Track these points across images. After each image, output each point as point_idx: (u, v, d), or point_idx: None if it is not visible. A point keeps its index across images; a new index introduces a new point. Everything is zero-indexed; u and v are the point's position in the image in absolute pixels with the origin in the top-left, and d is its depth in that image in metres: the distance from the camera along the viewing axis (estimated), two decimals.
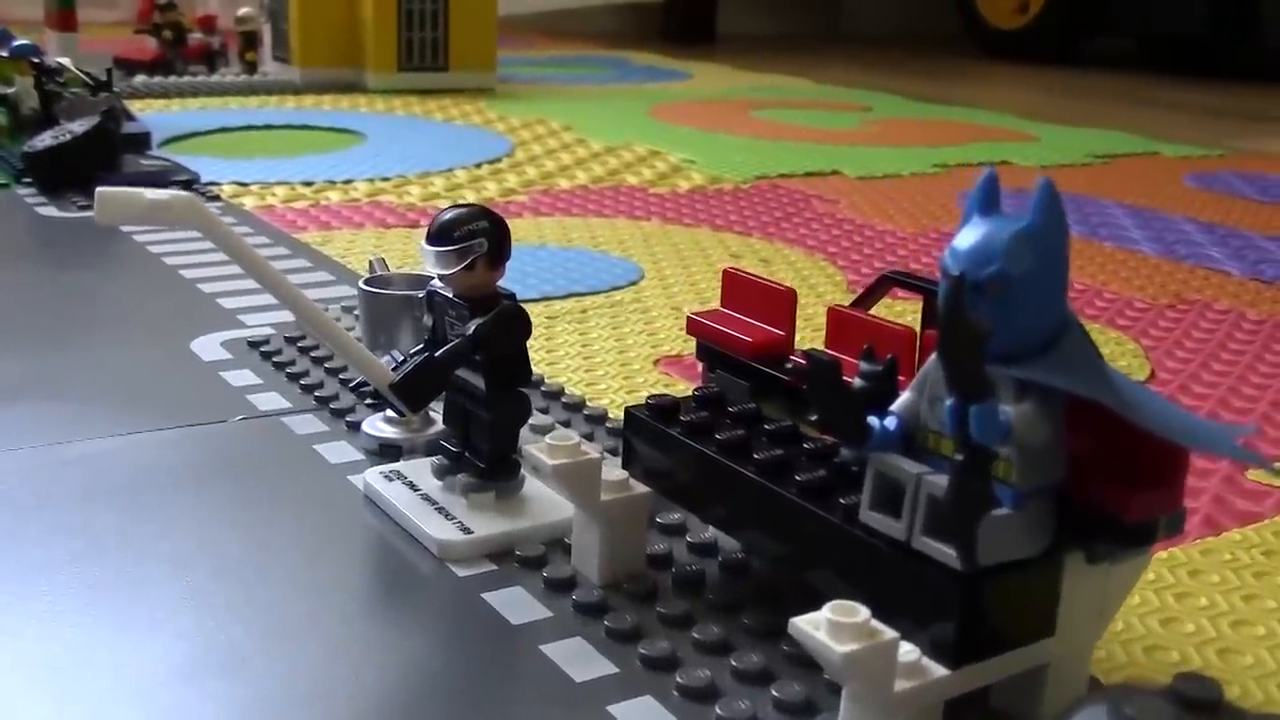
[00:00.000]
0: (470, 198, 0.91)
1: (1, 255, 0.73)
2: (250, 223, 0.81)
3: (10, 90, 0.97)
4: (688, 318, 0.40)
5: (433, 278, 0.39)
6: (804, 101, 1.59)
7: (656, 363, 0.58)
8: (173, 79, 1.42)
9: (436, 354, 0.38)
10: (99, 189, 0.32)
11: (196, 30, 1.50)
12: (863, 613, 0.27)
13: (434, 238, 0.38)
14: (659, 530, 0.40)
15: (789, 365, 0.37)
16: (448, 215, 0.38)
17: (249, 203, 0.87)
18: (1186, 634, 0.37)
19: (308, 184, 0.93)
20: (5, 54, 0.97)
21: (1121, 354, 0.63)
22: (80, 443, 0.45)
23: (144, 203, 0.32)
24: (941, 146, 1.26)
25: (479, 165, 1.04)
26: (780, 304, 0.38)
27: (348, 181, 0.95)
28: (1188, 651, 0.36)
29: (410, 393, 0.37)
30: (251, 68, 1.49)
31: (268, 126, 1.21)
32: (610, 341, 0.61)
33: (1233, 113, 1.72)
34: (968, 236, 0.28)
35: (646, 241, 0.81)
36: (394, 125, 1.24)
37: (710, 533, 0.39)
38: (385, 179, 0.96)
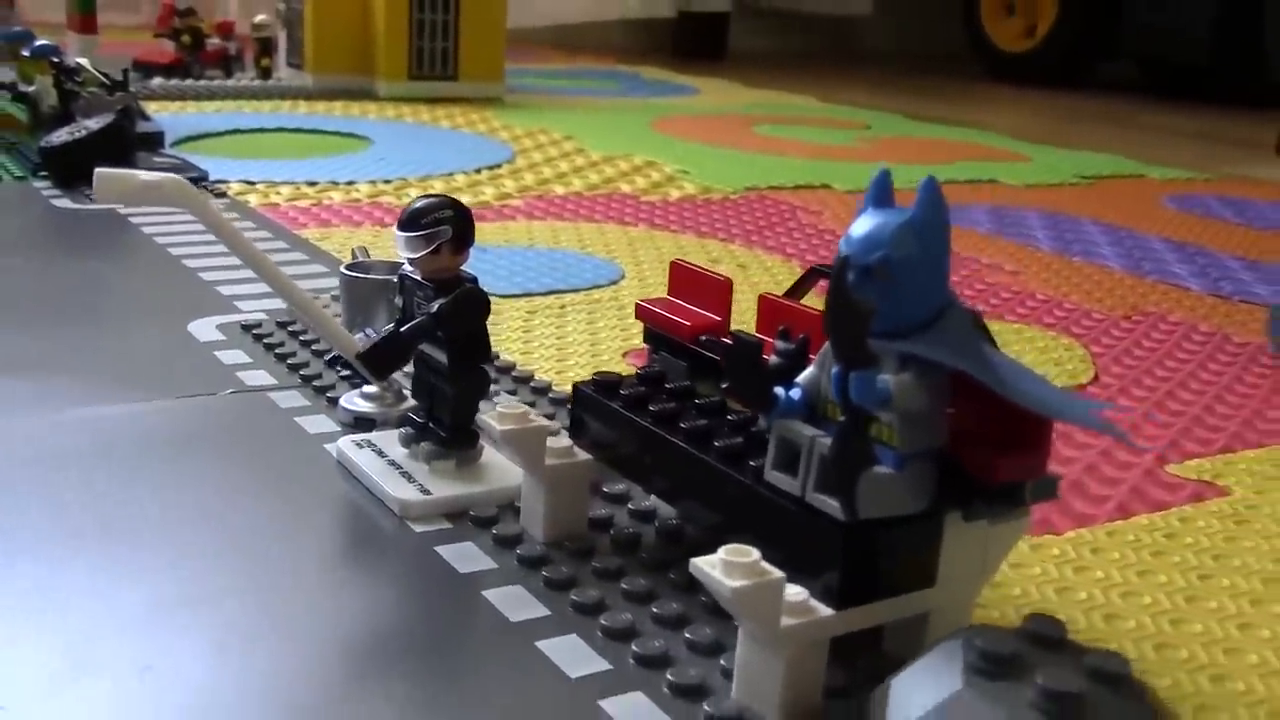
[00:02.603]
0: (467, 200, 0.95)
1: (17, 243, 0.77)
2: (253, 218, 0.85)
3: (31, 89, 1.01)
4: (636, 304, 0.44)
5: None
6: (805, 118, 1.63)
7: (625, 355, 0.62)
8: (189, 82, 1.46)
9: (401, 329, 0.42)
10: (98, 169, 0.36)
11: (214, 36, 1.55)
12: (754, 554, 0.30)
13: (403, 224, 0.42)
14: (604, 498, 0.44)
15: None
16: (417, 204, 0.42)
17: (254, 200, 0.91)
18: (1077, 600, 0.40)
19: (311, 184, 0.97)
20: (27, 54, 1.01)
21: (1069, 359, 0.66)
22: (82, 409, 0.49)
23: (137, 183, 0.36)
24: (933, 164, 1.30)
25: (478, 170, 1.08)
26: (718, 292, 0.42)
27: (350, 183, 0.99)
28: (1074, 615, 0.39)
29: (376, 362, 0.41)
30: (266, 73, 1.54)
31: (279, 130, 1.25)
32: (584, 334, 0.64)
33: (1226, 139, 1.75)
34: (860, 226, 0.32)
35: (631, 245, 0.85)
36: (400, 131, 1.29)
37: (651, 501, 0.43)
38: (387, 181, 1.00)
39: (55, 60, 0.98)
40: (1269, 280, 0.87)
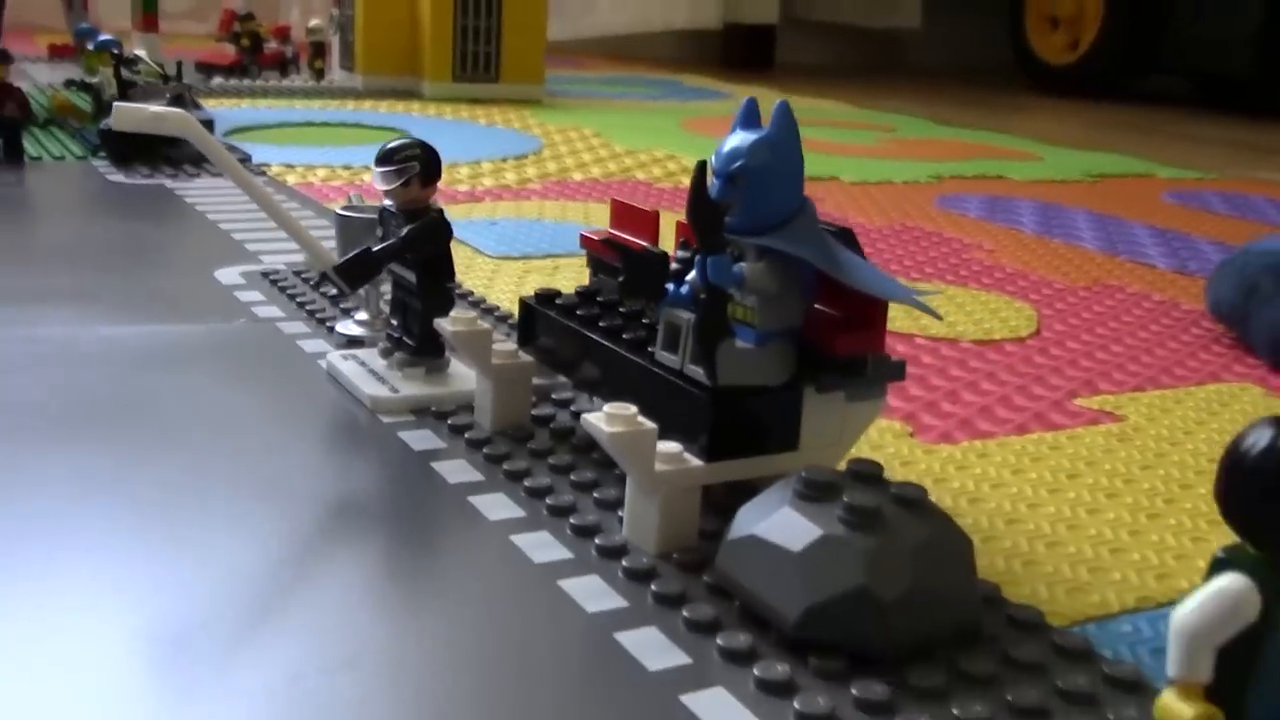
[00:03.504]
0: (488, 184, 1.02)
1: (77, 210, 0.85)
2: (286, 192, 0.93)
3: (95, 79, 1.10)
4: (580, 235, 0.50)
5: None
6: (833, 121, 1.69)
7: None
8: (247, 82, 1.55)
9: (373, 249, 0.49)
10: (116, 104, 0.44)
11: (272, 39, 1.64)
12: (631, 409, 0.37)
13: (379, 161, 0.49)
14: (552, 403, 0.50)
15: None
16: (390, 145, 0.49)
17: (292, 179, 0.99)
18: (952, 490, 0.46)
19: (346, 167, 1.05)
20: (91, 47, 1.10)
21: (1016, 317, 0.72)
22: (112, 328, 0.57)
23: (147, 114, 0.44)
24: (945, 161, 1.36)
25: (504, 159, 1.15)
26: (647, 222, 0.48)
27: None
28: (943, 497, 0.45)
29: (348, 274, 0.48)
30: (319, 75, 1.63)
31: (324, 124, 1.34)
32: (570, 287, 0.71)
33: (1256, 146, 1.79)
34: (729, 142, 0.38)
35: None
36: (439, 126, 1.36)
37: (591, 404, 0.49)
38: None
39: (115, 53, 1.06)
40: None
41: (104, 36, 1.11)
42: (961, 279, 0.81)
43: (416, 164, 0.49)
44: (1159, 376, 0.63)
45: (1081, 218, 1.06)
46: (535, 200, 0.98)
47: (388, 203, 0.51)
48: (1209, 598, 0.26)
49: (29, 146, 1.01)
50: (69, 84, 1.33)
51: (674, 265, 0.42)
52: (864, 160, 1.32)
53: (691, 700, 0.31)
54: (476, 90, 1.61)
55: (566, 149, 1.25)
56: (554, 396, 0.51)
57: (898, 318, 0.69)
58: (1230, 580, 0.26)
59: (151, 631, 0.33)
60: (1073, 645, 0.34)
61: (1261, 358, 0.67)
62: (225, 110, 1.33)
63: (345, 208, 0.58)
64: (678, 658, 0.33)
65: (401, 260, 0.49)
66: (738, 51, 2.66)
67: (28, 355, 0.53)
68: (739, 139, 0.38)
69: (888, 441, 0.51)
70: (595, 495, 0.42)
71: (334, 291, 0.51)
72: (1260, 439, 0.26)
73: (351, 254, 0.49)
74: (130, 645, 0.32)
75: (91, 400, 0.49)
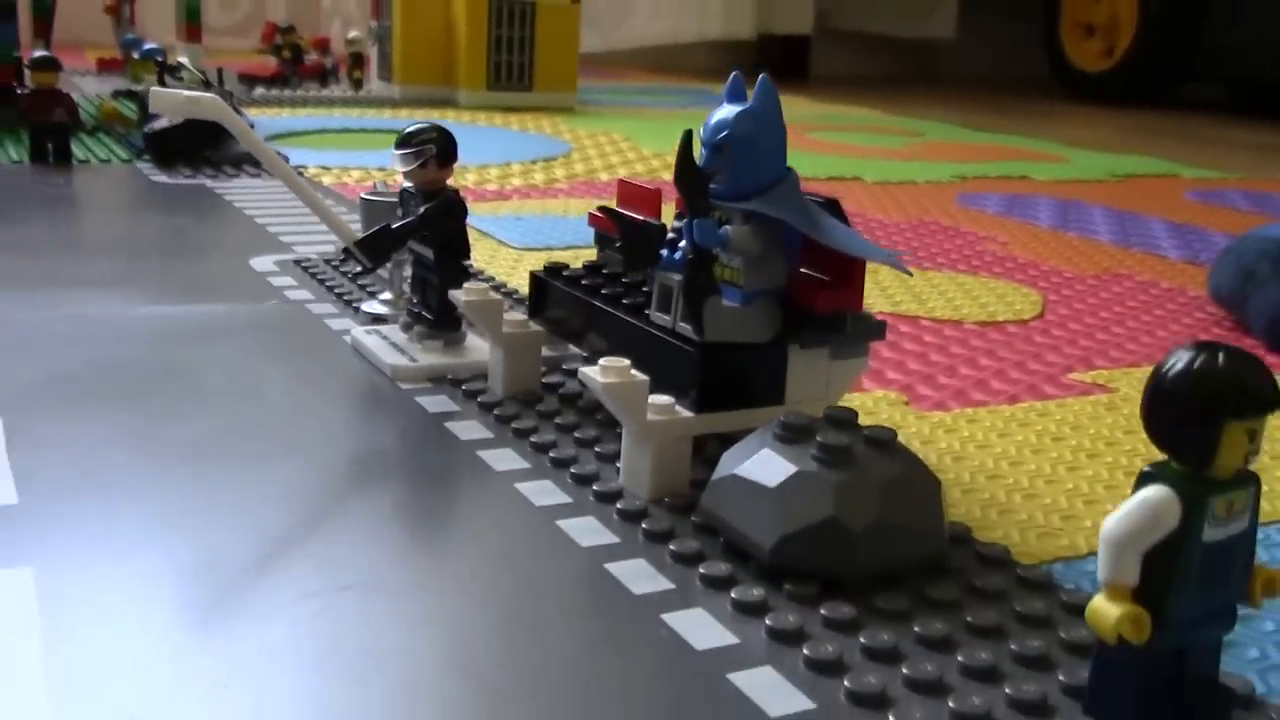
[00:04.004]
0: (517, 183, 1.06)
1: (122, 207, 0.89)
2: (322, 191, 0.96)
3: (140, 87, 1.15)
4: (588, 214, 0.53)
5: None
6: (862, 126, 1.72)
7: None
8: (287, 92, 1.60)
9: (392, 226, 0.52)
10: (153, 89, 0.47)
11: (312, 51, 1.69)
12: (625, 363, 0.40)
13: (398, 144, 0.52)
14: (561, 372, 0.53)
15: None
16: (408, 129, 0.52)
17: (328, 180, 1.02)
18: (938, 449, 0.49)
19: (381, 169, 1.09)
20: (137, 56, 1.15)
21: (1021, 300, 0.74)
22: (151, 308, 0.60)
23: (181, 99, 0.47)
24: (970, 163, 1.38)
25: (534, 161, 1.19)
26: (649, 199, 0.51)
27: None
28: (929, 455, 0.47)
29: (369, 250, 0.51)
30: (358, 84, 1.67)
31: (362, 130, 1.37)
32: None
33: None
34: (715, 115, 0.41)
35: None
36: (473, 132, 1.40)
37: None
38: None
39: (159, 60, 1.11)
40: None
41: (149, 45, 1.15)
42: (973, 268, 0.83)
43: (433, 146, 0.52)
44: (1156, 355, 0.65)
45: (1099, 213, 1.08)
46: (561, 198, 1.01)
47: (407, 184, 0.54)
48: (1134, 507, 0.28)
49: (77, 150, 1.05)
50: (116, 94, 1.38)
51: (670, 235, 0.44)
52: (888, 162, 1.34)
53: (672, 619, 0.34)
54: (510, 99, 1.64)
55: (595, 152, 1.28)
56: (564, 367, 0.54)
57: (904, 301, 0.72)
58: (1153, 491, 0.28)
59: (191, 558, 0.36)
60: (1035, 577, 0.37)
61: (1258, 339, 0.68)
62: (266, 119, 1.37)
63: (369, 193, 0.61)
64: (662, 584, 0.35)
65: (420, 237, 0.52)
66: (772, 62, 2.69)
67: (78, 332, 0.56)
68: (725, 111, 0.41)
69: (882, 409, 0.53)
70: (596, 449, 0.44)
71: (358, 269, 0.54)
72: (1178, 363, 0.28)
73: (372, 230, 0.52)
74: (173, 569, 0.35)
75: (136, 369, 0.52)
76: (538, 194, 1.00)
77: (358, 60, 1.67)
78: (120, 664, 0.30)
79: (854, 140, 1.54)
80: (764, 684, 0.31)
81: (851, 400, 0.52)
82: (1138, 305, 0.75)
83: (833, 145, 1.47)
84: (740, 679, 0.31)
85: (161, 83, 1.11)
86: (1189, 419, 0.28)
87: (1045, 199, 1.15)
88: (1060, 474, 0.47)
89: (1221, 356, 0.28)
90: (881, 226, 0.96)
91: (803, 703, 0.30)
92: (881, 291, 0.73)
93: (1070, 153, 1.52)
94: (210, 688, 0.29)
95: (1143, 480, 0.29)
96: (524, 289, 0.68)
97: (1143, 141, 1.75)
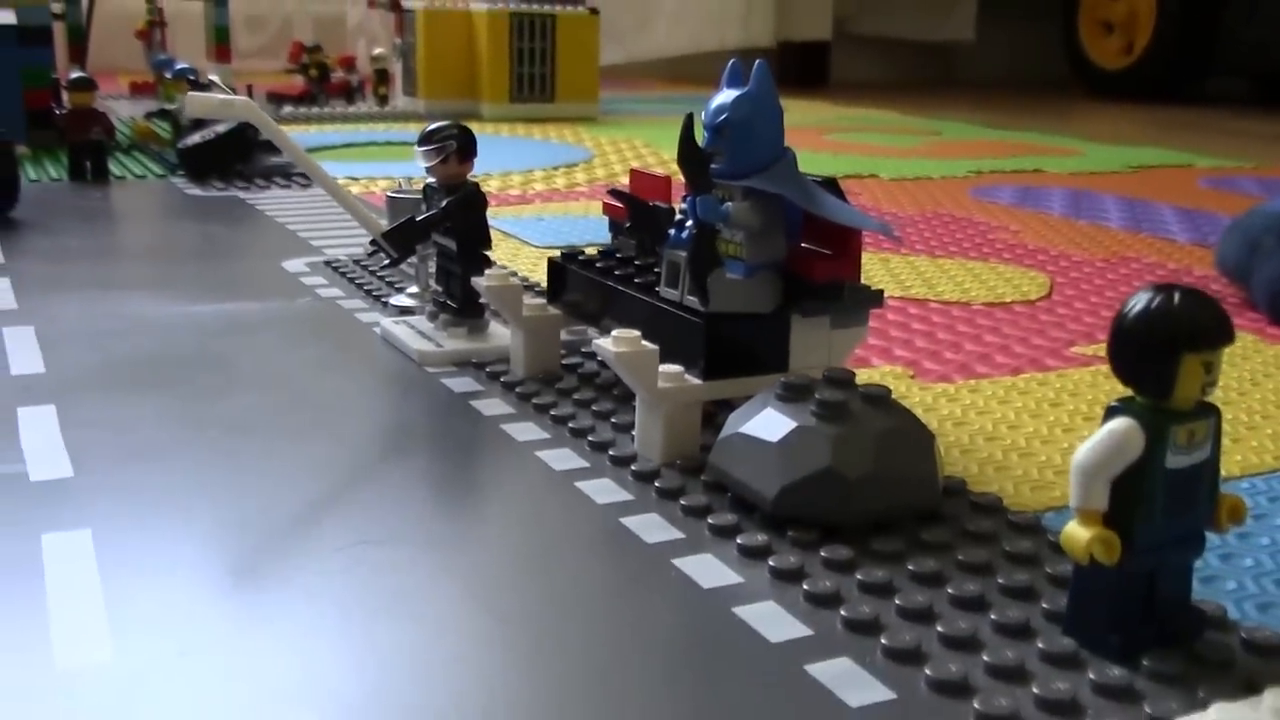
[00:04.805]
0: (538, 188, 1.09)
1: (158, 217, 0.93)
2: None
3: (173, 106, 1.18)
4: (603, 203, 0.56)
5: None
6: (880, 127, 1.74)
7: None
8: (315, 109, 1.63)
9: (416, 218, 0.55)
10: (189, 93, 0.50)
11: (338, 69, 1.72)
12: (635, 334, 0.42)
13: (420, 141, 0.55)
14: (580, 354, 0.56)
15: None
16: (430, 127, 0.55)
17: (356, 190, 1.05)
18: (940, 415, 0.51)
19: (408, 179, 1.12)
20: (169, 76, 1.18)
21: (1028, 283, 0.76)
22: (190, 305, 0.64)
23: (215, 101, 0.50)
24: (985, 158, 1.39)
25: (556, 167, 1.22)
26: (660, 186, 0.54)
27: None
28: (929, 421, 0.50)
29: (395, 241, 0.54)
30: (383, 100, 1.70)
31: (388, 143, 1.41)
32: None
33: None
34: (715, 99, 0.44)
35: None
36: (496, 142, 1.43)
37: None
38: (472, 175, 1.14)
39: (191, 79, 1.14)
40: None
41: (181, 64, 1.19)
42: (983, 255, 0.85)
43: (454, 142, 0.55)
44: None
45: (1110, 201, 1.10)
46: (582, 201, 1.04)
47: (431, 180, 0.56)
48: (1101, 437, 0.30)
49: (113, 168, 1.09)
50: (149, 115, 1.42)
51: (678, 216, 0.47)
52: (904, 160, 1.36)
53: (682, 563, 0.36)
54: (533, 110, 1.68)
55: (616, 157, 1.31)
56: (582, 349, 0.56)
57: (914, 286, 0.74)
58: (1118, 422, 0.30)
59: (234, 517, 0.39)
60: (1024, 521, 0.39)
61: (1262, 312, 0.70)
62: (294, 135, 1.40)
63: (394, 191, 0.64)
64: (672, 534, 0.38)
65: (443, 230, 0.55)
66: (793, 69, 2.72)
67: (121, 328, 0.59)
68: (724, 96, 0.43)
69: (888, 382, 0.55)
70: (613, 420, 0.47)
71: (386, 261, 0.57)
72: (1138, 304, 0.31)
73: (398, 223, 0.55)
74: (216, 527, 0.38)
75: (177, 359, 0.55)
76: (559, 197, 1.03)
77: (383, 77, 1.71)
78: (172, 606, 0.33)
79: (871, 140, 1.56)
80: (766, 615, 0.33)
81: (858, 376, 0.54)
82: (1142, 285, 0.77)
83: (850, 145, 1.50)
84: (744, 611, 0.33)
85: None
86: (1148, 354, 0.30)
87: (1058, 189, 1.17)
88: (1056, 435, 0.49)
89: (1177, 296, 0.30)
90: (894, 219, 0.98)
91: (802, 630, 0.32)
92: (893, 278, 0.75)
93: (1086, 146, 1.54)
94: (254, 623, 0.32)
95: (1109, 414, 0.31)
96: (545, 283, 0.71)
97: (1160, 135, 1.76)
